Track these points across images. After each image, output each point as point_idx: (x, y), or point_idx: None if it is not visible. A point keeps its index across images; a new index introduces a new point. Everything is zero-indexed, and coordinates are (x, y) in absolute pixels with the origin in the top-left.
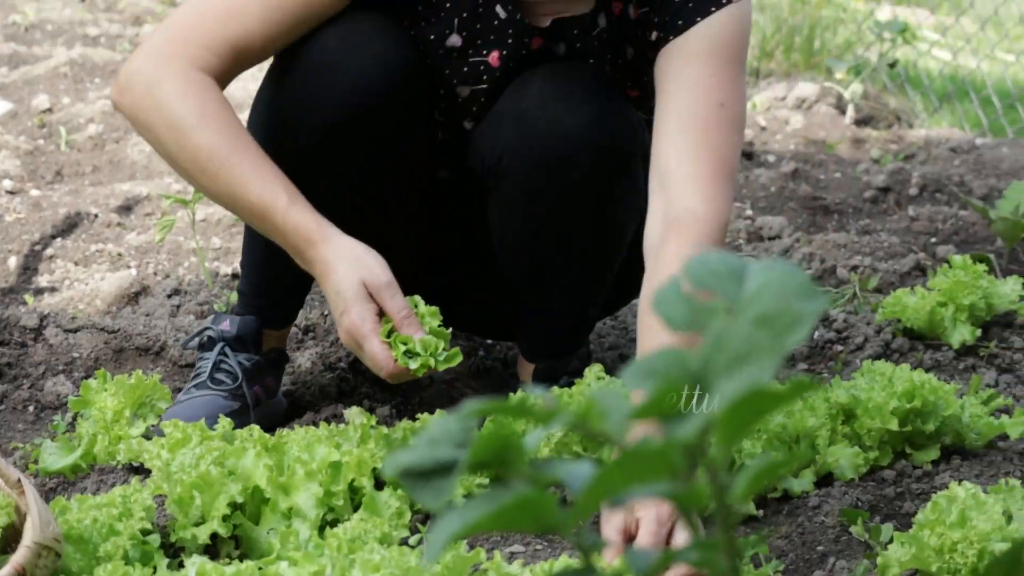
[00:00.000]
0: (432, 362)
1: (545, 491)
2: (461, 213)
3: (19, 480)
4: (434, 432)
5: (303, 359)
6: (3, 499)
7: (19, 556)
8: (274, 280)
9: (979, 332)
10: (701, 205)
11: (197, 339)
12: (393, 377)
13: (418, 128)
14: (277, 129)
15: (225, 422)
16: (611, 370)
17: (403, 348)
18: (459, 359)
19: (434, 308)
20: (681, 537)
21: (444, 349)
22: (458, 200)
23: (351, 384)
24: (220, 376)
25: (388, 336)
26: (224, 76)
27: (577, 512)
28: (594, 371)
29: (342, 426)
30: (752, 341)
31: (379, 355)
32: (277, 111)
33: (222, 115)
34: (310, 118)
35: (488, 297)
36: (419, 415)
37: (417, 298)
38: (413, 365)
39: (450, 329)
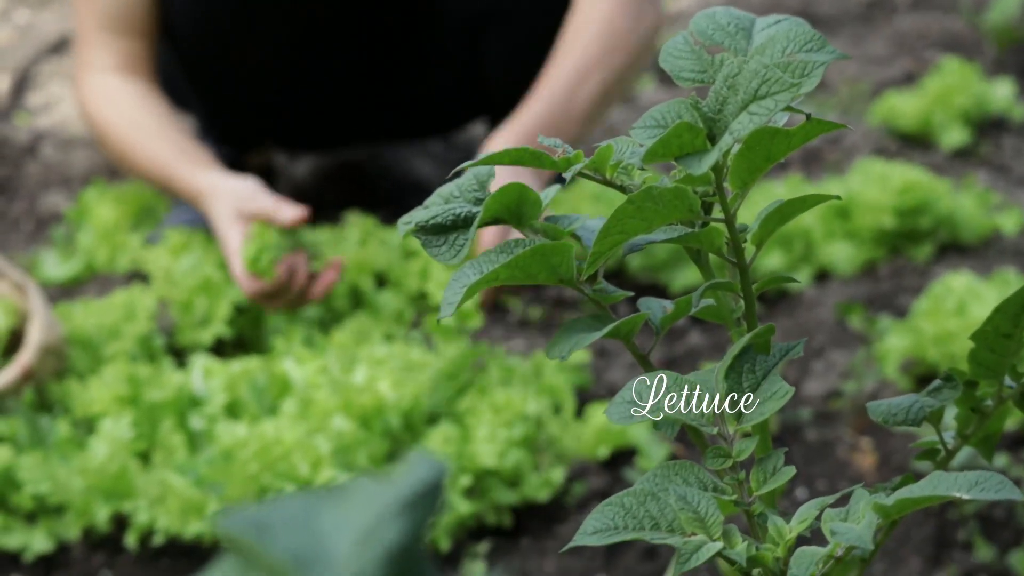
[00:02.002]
0: (268, 256)
1: (560, 241)
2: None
3: (23, 284)
4: (448, 189)
5: (300, 168)
6: (8, 301)
7: (25, 357)
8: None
9: (971, 134)
10: None
11: None
12: (253, 294)
13: None
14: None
15: None
16: None
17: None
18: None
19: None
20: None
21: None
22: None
23: (349, 190)
24: None
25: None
26: (138, 55)
27: (594, 256)
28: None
29: (342, 229)
30: (766, 78)
31: (237, 273)
32: None
33: (124, 124)
34: None
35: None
36: None
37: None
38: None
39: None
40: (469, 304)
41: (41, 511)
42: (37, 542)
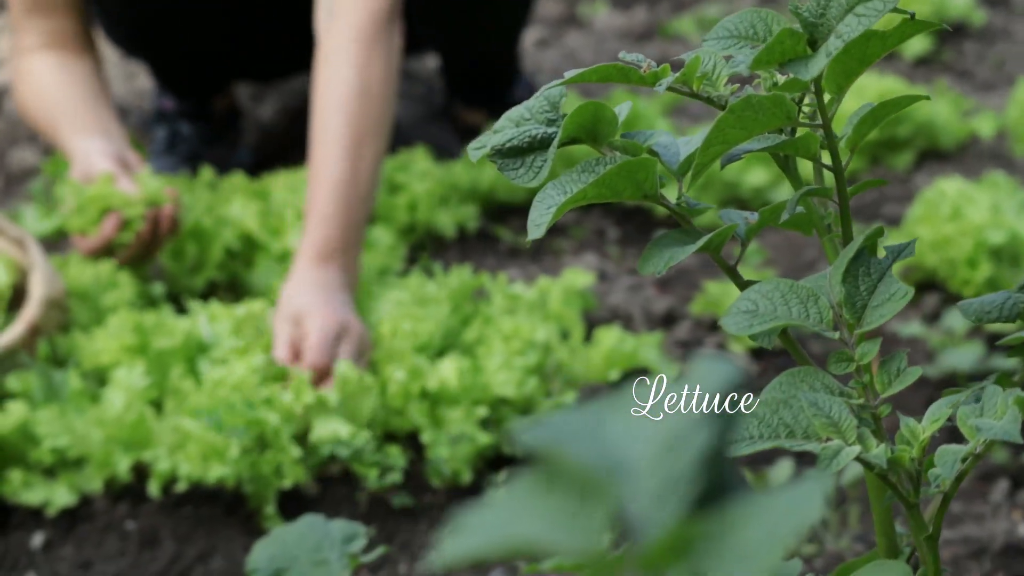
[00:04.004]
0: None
1: (643, 157)
2: None
3: (21, 238)
4: (518, 112)
5: (264, 111)
6: (7, 257)
7: (30, 312)
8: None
9: (933, 41)
10: None
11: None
12: (84, 251)
13: None
14: None
15: (207, 171)
16: None
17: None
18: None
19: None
20: (345, 350)
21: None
22: None
23: None
24: (178, 146)
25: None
26: (63, 31)
27: (698, 167)
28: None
29: None
30: None
31: (78, 241)
32: None
33: (32, 99)
34: None
35: None
36: (399, 150)
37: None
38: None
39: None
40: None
41: (60, 465)
42: (59, 496)
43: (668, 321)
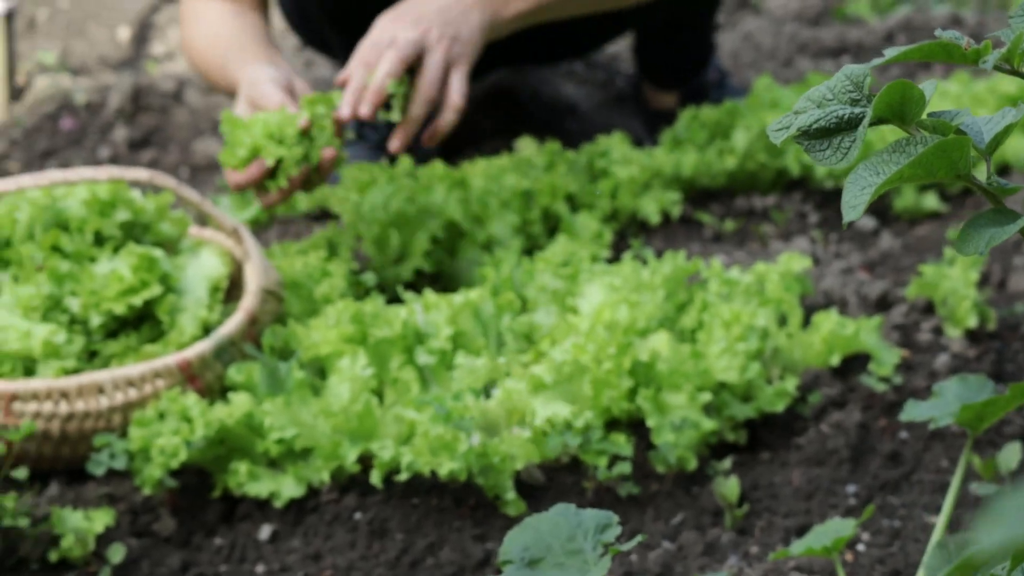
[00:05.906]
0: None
1: (957, 136)
2: None
3: (237, 228)
4: (819, 92)
5: None
6: (222, 248)
7: (248, 302)
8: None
9: None
10: None
11: None
12: (236, 188)
13: None
14: None
15: (406, 160)
16: (747, 77)
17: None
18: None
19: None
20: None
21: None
22: None
23: (503, 117)
24: (366, 132)
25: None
26: None
27: None
28: (763, 82)
29: (528, 155)
30: None
31: (227, 174)
32: None
33: (201, 38)
34: None
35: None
36: (599, 137)
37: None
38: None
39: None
40: None
41: (286, 456)
42: (287, 487)
43: (882, 305)
